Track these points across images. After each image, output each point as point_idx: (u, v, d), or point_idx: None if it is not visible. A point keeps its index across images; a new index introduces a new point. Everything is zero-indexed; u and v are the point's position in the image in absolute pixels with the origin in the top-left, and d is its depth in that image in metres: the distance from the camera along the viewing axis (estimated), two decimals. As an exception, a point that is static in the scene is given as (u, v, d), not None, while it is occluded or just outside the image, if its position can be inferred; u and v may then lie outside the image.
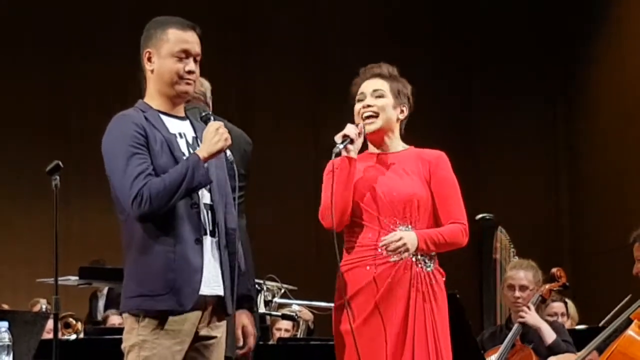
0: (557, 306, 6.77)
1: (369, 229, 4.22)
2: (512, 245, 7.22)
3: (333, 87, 11.84)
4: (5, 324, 4.68)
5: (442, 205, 4.27)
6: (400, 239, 4.12)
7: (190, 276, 3.72)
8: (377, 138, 4.34)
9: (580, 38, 11.77)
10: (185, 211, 3.75)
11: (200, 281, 3.74)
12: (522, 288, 6.06)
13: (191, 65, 3.85)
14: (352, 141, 4.18)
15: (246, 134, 4.98)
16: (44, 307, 8.13)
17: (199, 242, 3.76)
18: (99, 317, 9.38)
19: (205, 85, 4.97)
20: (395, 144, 4.37)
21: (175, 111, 3.90)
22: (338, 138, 4.19)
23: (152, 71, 3.87)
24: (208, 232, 3.82)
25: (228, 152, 3.84)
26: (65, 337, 7.36)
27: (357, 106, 4.33)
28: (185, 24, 3.90)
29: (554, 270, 6.15)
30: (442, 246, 4.23)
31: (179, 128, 3.86)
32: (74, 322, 7.87)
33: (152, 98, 3.90)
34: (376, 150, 4.36)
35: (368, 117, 4.29)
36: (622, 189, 10.84)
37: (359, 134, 4.22)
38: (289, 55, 11.86)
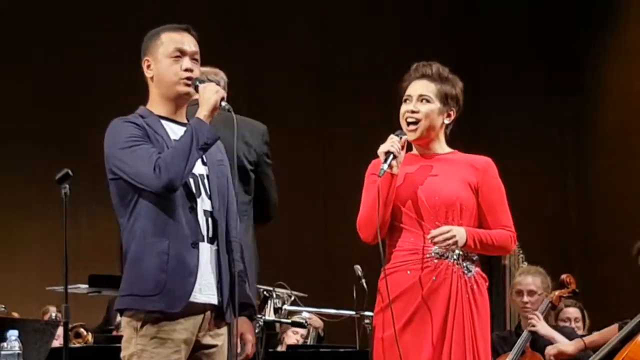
0: (572, 312, 6.77)
1: (411, 233, 4.19)
2: (520, 251, 7.20)
3: (341, 93, 11.87)
4: (15, 332, 4.70)
5: (491, 213, 4.24)
6: (449, 231, 4.09)
7: (182, 278, 3.73)
8: (421, 142, 4.31)
9: (588, 39, 11.75)
10: (183, 215, 3.77)
11: (194, 284, 3.75)
12: (531, 293, 6.07)
13: (188, 63, 3.88)
14: (394, 157, 4.15)
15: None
16: (53, 315, 8.13)
17: (195, 246, 3.77)
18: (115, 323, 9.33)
19: (220, 75, 4.95)
20: (440, 147, 4.33)
21: (176, 116, 3.93)
22: (381, 155, 4.15)
23: (152, 78, 3.92)
24: (206, 238, 3.83)
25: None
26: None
27: (403, 108, 4.30)
28: (178, 27, 3.95)
29: (563, 276, 6.15)
30: (489, 248, 4.20)
31: (180, 134, 3.86)
32: (84, 332, 7.88)
33: (154, 104, 3.93)
34: (420, 153, 4.33)
35: (411, 123, 4.26)
36: (631, 192, 10.81)
37: (402, 147, 4.18)
38: (298, 60, 11.85)
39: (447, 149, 4.36)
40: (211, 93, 3.82)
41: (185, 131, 3.79)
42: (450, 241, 4.10)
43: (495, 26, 12.04)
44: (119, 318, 9.11)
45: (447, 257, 4.17)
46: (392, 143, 4.16)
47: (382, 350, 4.17)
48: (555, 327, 6.06)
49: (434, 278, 4.15)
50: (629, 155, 10.93)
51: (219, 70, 4.97)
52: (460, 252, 4.18)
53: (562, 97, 12.10)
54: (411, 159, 4.30)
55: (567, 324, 6.64)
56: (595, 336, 5.80)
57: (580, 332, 6.34)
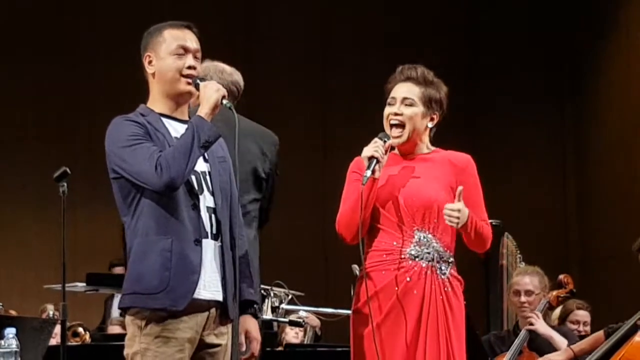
0: (582, 315, 6.78)
1: (388, 234, 4.20)
2: (518, 252, 7.19)
3: (342, 92, 11.87)
4: (13, 330, 4.70)
5: (470, 209, 4.22)
6: (458, 209, 4.11)
7: (186, 276, 3.73)
8: (404, 145, 4.31)
9: (589, 45, 11.75)
10: (185, 212, 3.77)
11: (197, 282, 3.75)
12: (528, 293, 6.07)
13: (191, 60, 3.87)
14: (378, 161, 4.15)
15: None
16: (51, 313, 8.14)
17: (198, 243, 3.77)
18: (112, 316, 9.32)
19: (236, 77, 4.95)
20: (422, 148, 4.33)
21: (178, 113, 3.92)
22: (365, 159, 4.15)
23: (153, 75, 3.91)
24: (210, 235, 3.82)
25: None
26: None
27: (387, 110, 4.30)
28: (180, 24, 3.95)
29: (561, 276, 6.16)
30: (478, 236, 4.21)
31: (181, 131, 3.85)
32: (82, 331, 7.88)
33: (155, 102, 3.92)
34: (402, 153, 4.33)
35: (394, 125, 4.27)
36: (631, 196, 10.81)
37: (386, 151, 4.19)
38: (295, 59, 11.86)
39: (429, 148, 4.35)
40: (212, 91, 3.81)
41: (186, 129, 3.79)
42: (454, 215, 4.11)
43: (501, 32, 12.05)
44: (113, 314, 9.15)
45: (422, 259, 4.19)
46: (375, 148, 4.17)
47: (360, 348, 4.18)
48: (553, 327, 6.06)
49: (408, 279, 4.16)
50: (630, 159, 10.93)
51: (235, 70, 4.97)
52: (435, 254, 4.20)
53: (563, 100, 12.11)
54: (394, 160, 4.30)
55: (576, 327, 6.64)
56: (583, 344, 5.80)
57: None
